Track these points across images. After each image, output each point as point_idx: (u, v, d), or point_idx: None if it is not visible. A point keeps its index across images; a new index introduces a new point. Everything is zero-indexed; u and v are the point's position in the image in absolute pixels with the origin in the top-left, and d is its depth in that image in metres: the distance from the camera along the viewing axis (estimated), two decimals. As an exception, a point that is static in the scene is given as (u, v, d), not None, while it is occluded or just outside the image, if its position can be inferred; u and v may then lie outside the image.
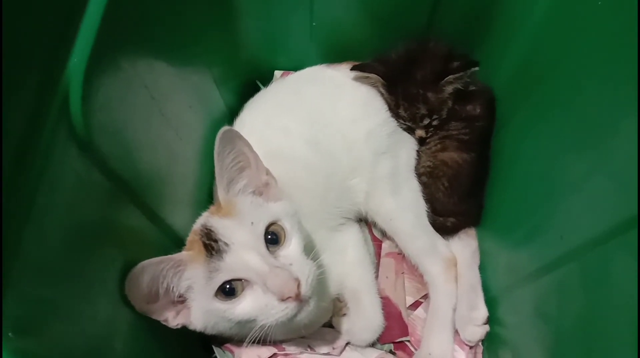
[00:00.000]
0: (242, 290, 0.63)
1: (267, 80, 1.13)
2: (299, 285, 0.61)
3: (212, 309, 0.63)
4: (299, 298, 0.61)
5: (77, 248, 0.51)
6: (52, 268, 0.47)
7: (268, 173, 0.74)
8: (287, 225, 0.68)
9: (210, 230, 0.65)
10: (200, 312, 0.65)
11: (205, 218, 0.69)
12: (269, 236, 0.66)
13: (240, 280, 0.62)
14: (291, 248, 0.67)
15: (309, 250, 0.69)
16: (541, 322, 0.69)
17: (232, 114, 0.99)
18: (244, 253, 0.62)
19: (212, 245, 0.63)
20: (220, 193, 0.69)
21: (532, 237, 0.74)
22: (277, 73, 1.15)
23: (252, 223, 0.65)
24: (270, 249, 0.65)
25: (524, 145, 0.81)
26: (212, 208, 0.71)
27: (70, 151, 0.48)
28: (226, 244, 0.63)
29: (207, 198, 0.86)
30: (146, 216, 0.65)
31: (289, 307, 0.61)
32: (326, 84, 0.98)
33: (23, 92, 0.42)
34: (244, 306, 0.63)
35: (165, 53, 0.69)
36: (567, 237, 0.62)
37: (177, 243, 0.72)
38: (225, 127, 0.66)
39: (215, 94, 0.92)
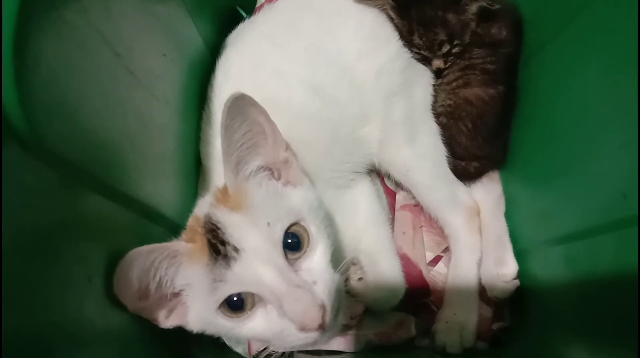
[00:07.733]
0: (253, 305, 0.52)
1: (248, 6, 0.95)
2: (324, 312, 0.50)
3: (214, 322, 0.52)
4: (322, 328, 0.50)
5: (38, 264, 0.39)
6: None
7: (288, 148, 0.60)
8: (312, 227, 0.55)
9: (216, 226, 0.52)
10: (199, 318, 0.54)
11: (210, 207, 0.55)
12: (289, 240, 0.53)
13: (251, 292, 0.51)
14: (316, 259, 0.54)
15: (336, 261, 0.57)
16: (578, 283, 0.62)
17: (212, 52, 0.82)
18: (257, 264, 0.50)
19: (218, 247, 0.51)
20: (227, 176, 0.55)
21: (580, 188, 0.64)
22: (261, -4, 0.97)
23: (268, 223, 0.52)
24: (289, 257, 0.53)
25: (567, 78, 0.68)
26: (217, 192, 0.57)
27: (10, 155, 0.34)
28: (236, 249, 0.50)
29: (194, 163, 0.72)
30: (120, 203, 0.51)
31: (310, 336, 0.50)
32: (325, 11, 0.81)
33: None
34: (254, 326, 0.52)
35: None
36: (631, 196, 0.52)
37: (161, 223, 0.60)
38: (236, 93, 0.51)
39: (192, 29, 0.75)
